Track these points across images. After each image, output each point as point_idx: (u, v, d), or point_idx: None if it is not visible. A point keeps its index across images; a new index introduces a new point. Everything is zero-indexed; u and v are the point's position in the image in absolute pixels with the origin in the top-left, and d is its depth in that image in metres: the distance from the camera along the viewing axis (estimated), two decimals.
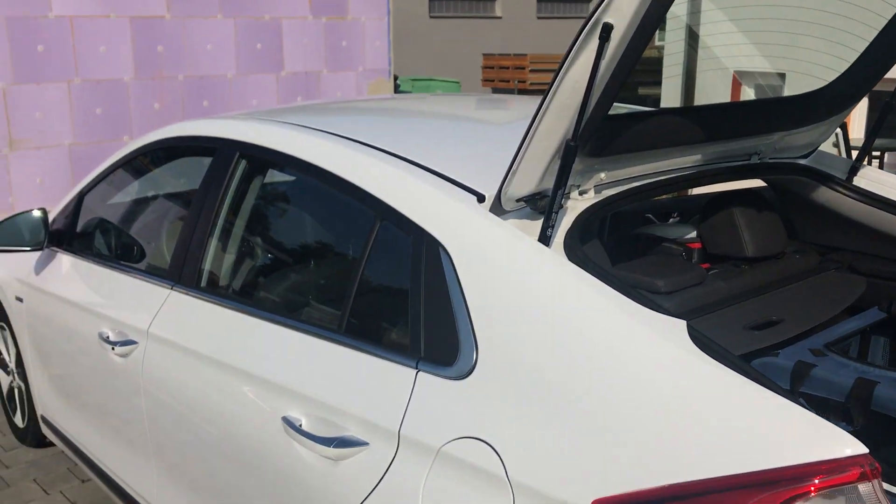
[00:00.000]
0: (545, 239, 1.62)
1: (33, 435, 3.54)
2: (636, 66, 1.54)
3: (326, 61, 10.64)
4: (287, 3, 10.15)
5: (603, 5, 1.42)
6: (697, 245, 2.35)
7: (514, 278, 1.57)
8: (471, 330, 1.60)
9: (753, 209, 2.28)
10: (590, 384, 1.41)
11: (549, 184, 1.67)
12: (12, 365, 3.61)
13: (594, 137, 1.67)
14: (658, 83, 8.84)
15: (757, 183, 2.62)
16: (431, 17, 15.60)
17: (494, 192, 1.69)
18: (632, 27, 1.44)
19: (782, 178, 2.45)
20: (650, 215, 2.78)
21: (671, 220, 2.72)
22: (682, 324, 1.41)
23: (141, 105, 9.21)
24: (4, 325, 3.57)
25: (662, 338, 1.38)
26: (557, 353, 1.46)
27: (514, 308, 1.54)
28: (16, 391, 3.64)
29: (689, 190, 3.17)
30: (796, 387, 1.78)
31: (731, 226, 2.25)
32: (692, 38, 7.66)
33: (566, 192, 1.81)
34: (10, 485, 3.37)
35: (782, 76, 6.98)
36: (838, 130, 3.84)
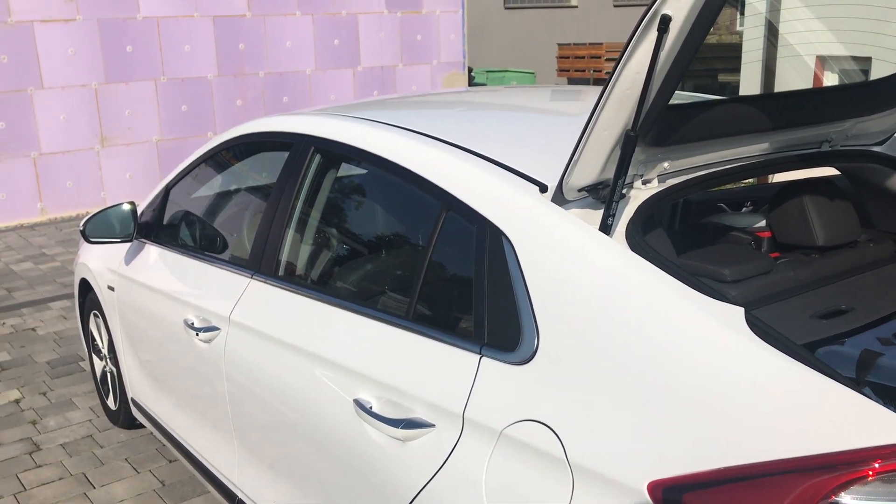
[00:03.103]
0: (606, 228, 1.65)
1: (124, 417, 3.74)
2: (706, 57, 1.56)
3: (402, 55, 10.77)
4: None
5: None
6: (767, 234, 2.34)
7: (574, 267, 1.61)
8: (532, 317, 1.64)
9: (825, 197, 2.25)
10: (648, 369, 1.44)
11: (611, 173, 1.70)
12: (105, 350, 3.82)
13: (655, 127, 1.69)
14: (737, 70, 8.64)
15: (830, 171, 2.57)
16: (506, 8, 15.56)
17: (556, 182, 1.73)
18: (690, 18, 1.46)
19: (855, 165, 2.40)
20: (722, 204, 2.77)
21: (744, 209, 2.70)
22: (740, 311, 1.42)
23: (224, 102, 9.51)
24: (98, 313, 3.78)
25: (720, 324, 1.40)
26: (616, 340, 1.49)
27: (574, 296, 1.58)
28: (108, 375, 3.85)
29: (771, 177, 3.13)
30: (862, 375, 1.77)
31: (801, 214, 2.23)
32: (772, 23, 7.46)
33: (629, 181, 1.83)
34: (103, 463, 3.58)
35: (867, 60, 6.75)
36: None
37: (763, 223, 2.38)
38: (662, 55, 1.50)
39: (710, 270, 2.01)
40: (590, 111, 1.61)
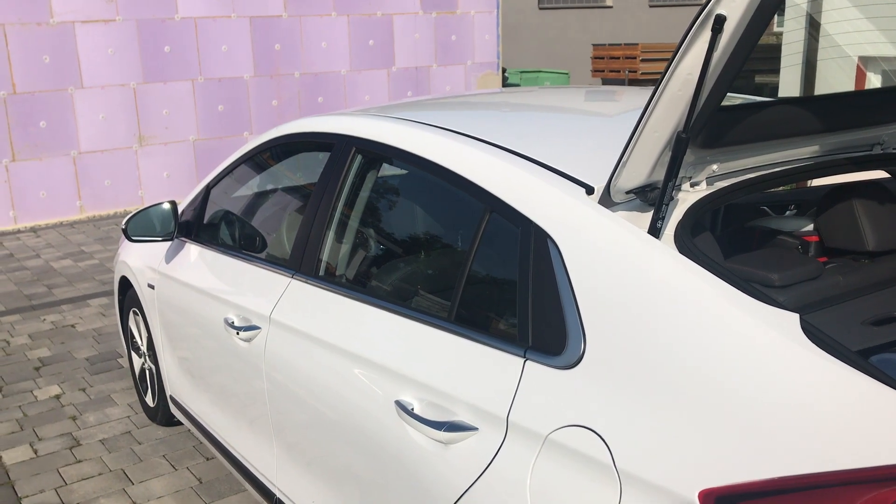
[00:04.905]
0: (655, 231, 1.63)
1: (163, 414, 3.77)
2: (750, 57, 1.53)
3: (436, 56, 10.77)
4: None
5: None
6: (814, 238, 2.29)
7: (622, 270, 1.58)
8: (579, 320, 1.62)
9: (875, 201, 2.20)
10: (699, 376, 1.41)
11: (660, 176, 1.67)
12: (144, 348, 3.86)
13: (706, 129, 1.66)
14: (776, 71, 8.52)
15: (880, 174, 2.52)
16: (541, 8, 15.50)
17: (603, 183, 1.71)
18: (745, 18, 1.43)
19: None
20: (766, 207, 2.72)
21: (788, 212, 2.65)
22: (795, 317, 1.39)
23: (260, 102, 9.58)
24: (137, 311, 3.81)
25: (775, 331, 1.37)
26: (666, 346, 1.47)
27: (622, 300, 1.56)
28: (147, 373, 3.89)
29: (810, 182, 3.07)
30: None
31: (850, 218, 2.18)
32: (813, 23, 7.35)
33: (678, 183, 1.81)
34: (142, 459, 3.61)
35: None
36: None
37: (811, 227, 2.33)
38: (716, 55, 1.47)
39: (757, 275, 1.98)
40: (635, 111, 1.59)
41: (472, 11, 10.88)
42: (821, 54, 7.51)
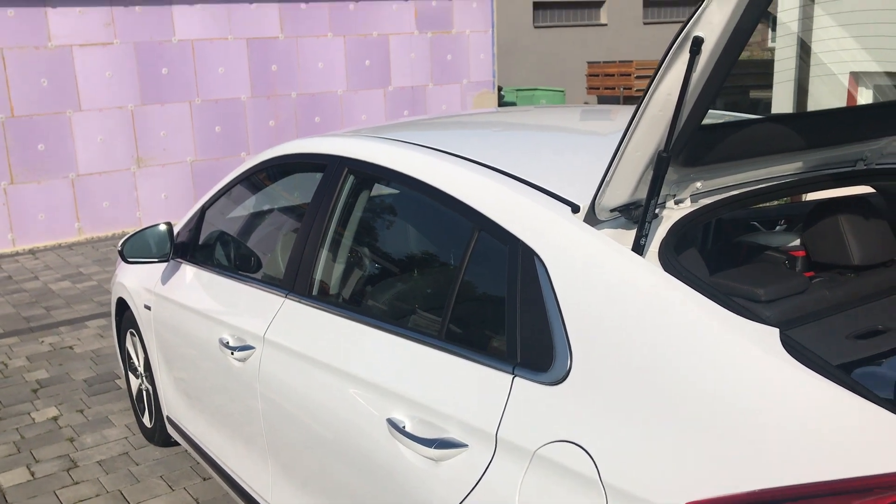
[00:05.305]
0: (639, 248, 1.65)
1: (160, 434, 3.78)
2: (733, 75, 1.56)
3: (432, 75, 10.84)
4: (394, 19, 10.42)
5: (693, 19, 1.45)
6: (801, 253, 2.32)
7: (607, 287, 1.61)
8: (565, 337, 1.65)
9: (860, 216, 2.23)
10: (682, 391, 1.44)
11: (643, 194, 1.70)
12: (141, 369, 3.87)
13: (688, 148, 1.70)
14: (770, 86, 8.58)
15: (866, 189, 2.55)
16: (535, 27, 15.62)
17: (588, 202, 1.74)
18: (722, 40, 1.47)
19: (892, 184, 2.38)
20: (755, 223, 2.75)
21: (778, 227, 2.68)
22: (775, 332, 1.42)
23: (257, 122, 9.64)
24: (134, 332, 3.83)
25: (755, 345, 1.40)
26: (650, 361, 1.49)
27: (607, 316, 1.59)
28: (144, 393, 3.91)
29: (804, 196, 3.10)
30: None
31: (835, 233, 2.21)
32: (804, 40, 7.42)
33: (661, 201, 1.84)
34: (139, 480, 3.62)
35: None
36: None
37: (797, 242, 2.37)
38: (695, 76, 1.51)
39: (744, 290, 2.00)
40: (622, 131, 1.62)
41: (467, 31, 10.97)
42: (813, 70, 7.57)
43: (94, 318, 5.99)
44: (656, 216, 1.81)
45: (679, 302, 1.52)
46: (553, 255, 1.73)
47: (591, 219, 1.74)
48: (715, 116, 2.59)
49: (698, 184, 1.88)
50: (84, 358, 5.19)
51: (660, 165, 1.60)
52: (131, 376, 4.07)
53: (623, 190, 1.70)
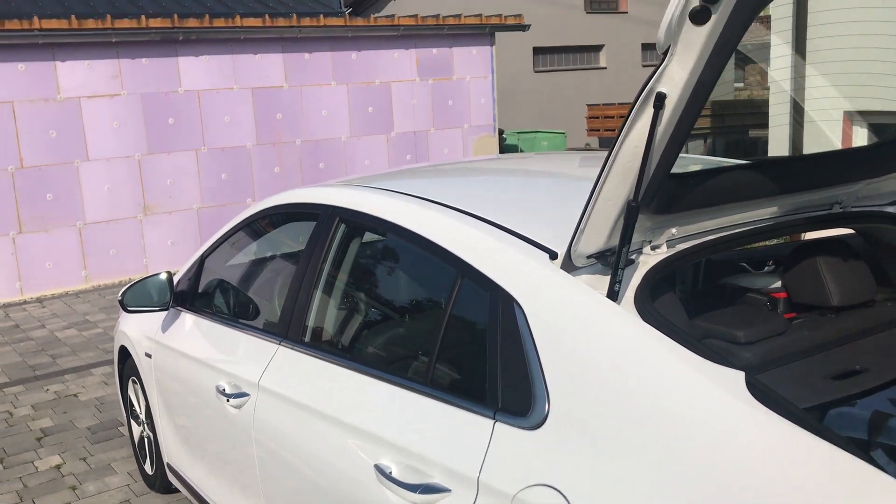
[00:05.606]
0: (613, 294, 1.70)
1: (161, 481, 3.80)
2: (694, 126, 1.62)
3: (434, 120, 11.00)
4: (396, 67, 10.61)
5: (656, 76, 1.52)
6: (783, 295, 2.36)
7: (582, 333, 1.66)
8: (543, 382, 1.69)
9: (838, 257, 2.28)
10: (652, 435, 1.48)
11: (617, 241, 1.75)
12: (143, 416, 3.91)
13: (659, 196, 1.75)
14: (767, 125, 8.69)
15: (846, 230, 2.60)
16: (536, 71, 15.85)
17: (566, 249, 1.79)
18: (685, 95, 1.53)
19: (869, 226, 2.43)
20: (745, 264, 2.79)
21: (766, 268, 2.73)
22: (741, 375, 1.46)
23: (262, 169, 9.78)
24: (136, 380, 3.88)
25: (720, 389, 1.44)
26: (623, 406, 1.53)
27: (581, 361, 1.63)
28: (146, 441, 3.94)
29: (803, 235, 3.15)
30: (874, 437, 1.78)
31: (814, 275, 2.25)
32: (797, 80, 7.52)
33: (638, 247, 1.89)
34: None
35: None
36: None
37: (779, 284, 2.41)
38: (660, 129, 1.57)
39: (723, 332, 2.05)
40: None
41: (467, 77, 11.14)
42: (808, 111, 7.67)
43: (99, 365, 6.04)
44: (632, 262, 1.86)
45: (649, 348, 1.56)
46: (531, 301, 1.78)
47: (568, 265, 1.80)
48: (692, 163, 2.65)
49: (674, 230, 1.94)
50: (88, 405, 5.23)
51: (630, 214, 1.66)
52: (133, 423, 4.11)
53: (597, 237, 1.76)
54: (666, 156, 1.63)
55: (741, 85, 16.92)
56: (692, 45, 1.45)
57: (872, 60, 6.66)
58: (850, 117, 7.30)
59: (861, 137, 7.40)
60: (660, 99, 1.53)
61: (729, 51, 1.49)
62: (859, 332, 2.20)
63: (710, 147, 13.89)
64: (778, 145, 7.88)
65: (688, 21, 1.43)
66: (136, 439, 4.09)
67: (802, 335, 2.13)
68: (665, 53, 1.49)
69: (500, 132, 12.83)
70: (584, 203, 1.71)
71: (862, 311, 2.28)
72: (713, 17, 1.42)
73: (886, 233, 2.44)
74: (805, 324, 2.20)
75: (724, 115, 13.25)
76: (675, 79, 1.51)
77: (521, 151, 13.25)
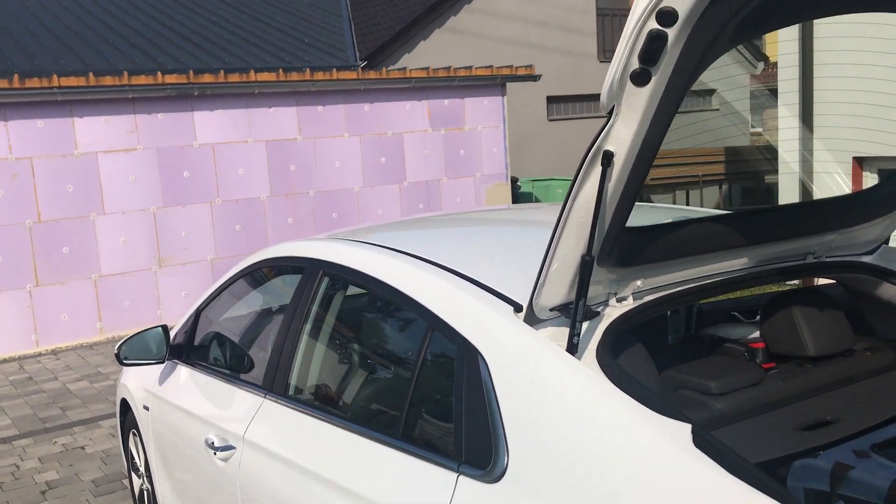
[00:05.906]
0: (572, 348, 1.72)
1: None
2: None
3: (446, 169, 11.11)
4: (408, 118, 10.76)
5: (602, 134, 1.56)
6: (761, 345, 2.36)
7: (539, 386, 1.67)
8: (503, 436, 1.71)
9: (815, 307, 2.28)
10: (603, 489, 1.48)
11: None
12: (142, 468, 3.93)
13: (616, 249, 1.78)
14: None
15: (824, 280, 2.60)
16: (550, 119, 15.99)
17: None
18: (633, 153, 1.57)
19: (844, 276, 2.43)
20: (736, 313, 2.80)
21: (757, 317, 2.72)
22: (687, 428, 1.47)
23: (276, 220, 9.90)
24: (136, 432, 3.91)
25: (666, 442, 1.45)
26: (574, 460, 1.54)
27: (538, 415, 1.65)
28: (145, 493, 3.95)
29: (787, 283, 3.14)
30: (835, 489, 1.76)
31: (791, 324, 2.25)
32: (805, 126, 7.54)
33: (603, 299, 1.91)
34: None
35: None
36: None
37: (757, 334, 2.41)
38: (610, 185, 1.60)
39: (696, 383, 2.05)
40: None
41: (479, 127, 11.27)
42: (816, 159, 7.68)
43: (107, 417, 6.08)
44: (597, 314, 1.88)
45: (599, 402, 1.57)
46: (493, 354, 1.80)
47: (531, 318, 1.82)
48: (666, 215, 2.67)
49: (639, 282, 1.96)
50: (94, 458, 5.26)
51: (584, 268, 1.68)
52: (134, 476, 4.12)
53: (558, 290, 1.78)
54: (618, 211, 1.66)
55: (759, 129, 16.92)
56: (635, 106, 1.49)
57: (880, 105, 6.69)
58: (860, 163, 7.29)
59: (871, 182, 7.38)
60: (607, 157, 1.56)
61: (672, 109, 1.52)
62: (835, 381, 2.19)
63: (727, 193, 13.86)
64: (787, 194, 7.88)
65: (629, 83, 1.47)
66: (137, 492, 4.10)
67: (776, 386, 2.12)
68: (610, 113, 1.53)
69: (515, 180, 12.91)
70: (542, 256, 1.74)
71: (840, 361, 2.27)
72: (654, 79, 1.46)
73: (865, 283, 2.44)
74: (780, 374, 2.20)
75: (737, 161, 13.24)
76: (622, 137, 1.54)
77: (536, 199, 13.30)
